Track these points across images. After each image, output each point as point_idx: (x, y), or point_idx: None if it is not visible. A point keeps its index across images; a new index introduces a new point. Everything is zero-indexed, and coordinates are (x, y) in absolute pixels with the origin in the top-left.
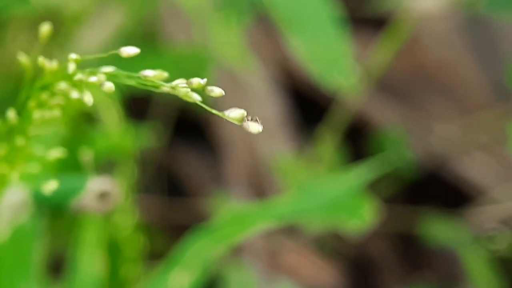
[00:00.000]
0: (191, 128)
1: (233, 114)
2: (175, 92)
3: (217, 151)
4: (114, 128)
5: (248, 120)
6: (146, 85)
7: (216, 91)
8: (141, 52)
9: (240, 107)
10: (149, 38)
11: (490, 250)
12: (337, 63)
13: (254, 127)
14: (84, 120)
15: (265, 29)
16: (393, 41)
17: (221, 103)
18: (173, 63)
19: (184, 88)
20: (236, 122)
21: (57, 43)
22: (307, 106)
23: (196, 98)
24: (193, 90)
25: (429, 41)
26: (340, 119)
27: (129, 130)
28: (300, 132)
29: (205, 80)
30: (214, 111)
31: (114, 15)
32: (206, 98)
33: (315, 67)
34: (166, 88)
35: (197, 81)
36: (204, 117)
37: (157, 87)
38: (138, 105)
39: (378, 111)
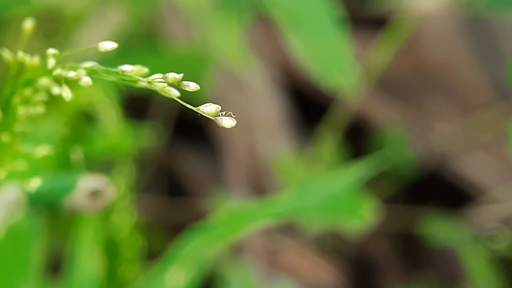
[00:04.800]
0: (191, 128)
1: (208, 109)
2: (152, 87)
3: (217, 151)
4: (113, 128)
5: (222, 115)
6: (124, 80)
7: (192, 86)
8: (142, 51)
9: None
10: (150, 38)
11: (491, 249)
12: (337, 62)
13: (228, 122)
14: (83, 120)
15: (265, 29)
16: (393, 40)
17: (222, 103)
18: (173, 63)
19: (161, 83)
20: (210, 117)
21: (57, 43)
22: (307, 106)
23: (174, 93)
24: (170, 85)
25: (430, 41)
26: (340, 119)
27: (128, 130)
28: (300, 131)
29: (181, 75)
30: (189, 106)
31: (115, 15)
32: (207, 98)
33: (315, 67)
34: (143, 83)
35: (172, 76)
36: (204, 117)
37: (135, 82)
38: (138, 105)
39: (379, 110)
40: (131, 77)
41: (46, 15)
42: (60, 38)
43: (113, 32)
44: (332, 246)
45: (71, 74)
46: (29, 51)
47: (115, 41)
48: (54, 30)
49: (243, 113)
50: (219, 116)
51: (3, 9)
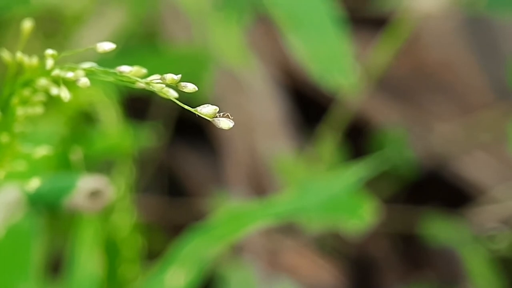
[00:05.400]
0: (191, 128)
1: (205, 110)
2: (150, 88)
3: (217, 151)
4: (113, 128)
5: (219, 116)
6: (122, 81)
7: (190, 87)
8: (142, 52)
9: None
10: (150, 38)
11: (491, 249)
12: (337, 62)
13: (225, 124)
14: (83, 120)
15: (265, 29)
16: (393, 40)
17: (222, 103)
18: (173, 63)
19: (159, 84)
20: (208, 118)
21: (57, 43)
22: (307, 106)
23: (172, 94)
24: (168, 86)
25: (430, 41)
26: (340, 119)
27: (128, 130)
28: (301, 131)
29: (179, 76)
30: (186, 107)
31: (115, 15)
32: (207, 98)
33: (315, 67)
34: (141, 83)
35: (170, 77)
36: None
37: (133, 82)
38: (138, 105)
39: (379, 110)
40: (129, 78)
41: (46, 15)
42: (60, 38)
43: (113, 32)
44: (332, 246)
45: (69, 74)
46: (29, 51)
47: (115, 41)
48: (54, 30)
49: (243, 113)
50: (216, 117)
51: (3, 9)
